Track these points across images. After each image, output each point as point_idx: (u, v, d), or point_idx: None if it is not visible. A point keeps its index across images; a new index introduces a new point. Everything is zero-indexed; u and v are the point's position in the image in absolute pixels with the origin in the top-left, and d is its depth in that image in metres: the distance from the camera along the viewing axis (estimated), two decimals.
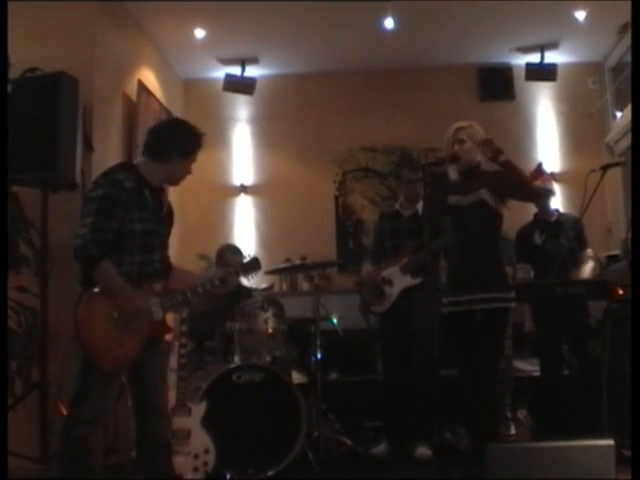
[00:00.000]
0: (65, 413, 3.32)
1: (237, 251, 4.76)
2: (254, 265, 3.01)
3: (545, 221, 4.29)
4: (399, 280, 4.00)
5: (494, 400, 3.14)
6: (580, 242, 4.10)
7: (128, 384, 2.75)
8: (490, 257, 3.14)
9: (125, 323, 2.55)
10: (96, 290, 2.51)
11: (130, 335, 2.56)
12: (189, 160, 2.77)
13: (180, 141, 2.74)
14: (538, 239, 4.26)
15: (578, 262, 4.10)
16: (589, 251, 4.15)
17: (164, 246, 2.78)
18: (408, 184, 4.17)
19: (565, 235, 4.14)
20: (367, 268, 4.18)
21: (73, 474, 2.51)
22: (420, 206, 4.06)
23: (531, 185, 3.47)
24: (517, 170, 3.15)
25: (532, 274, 4.26)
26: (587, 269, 4.10)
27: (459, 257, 3.21)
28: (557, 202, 5.51)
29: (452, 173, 3.21)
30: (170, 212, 2.86)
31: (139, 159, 2.81)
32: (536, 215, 4.36)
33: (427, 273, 3.76)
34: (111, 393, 2.62)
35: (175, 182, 2.85)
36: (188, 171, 2.81)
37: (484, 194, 3.13)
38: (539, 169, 4.47)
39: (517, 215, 4.67)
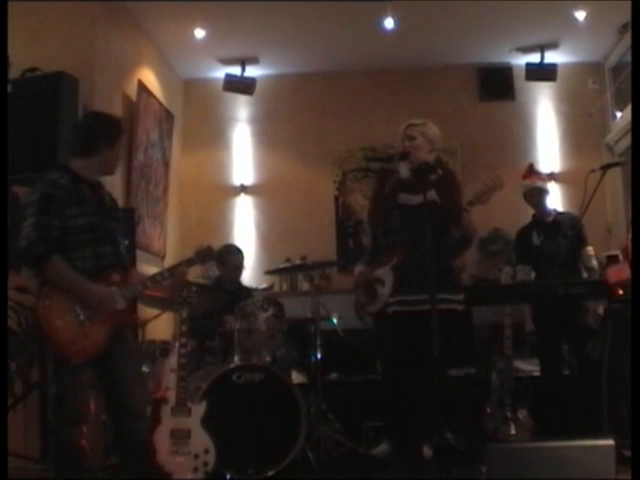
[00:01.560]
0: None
1: (237, 251, 4.77)
2: (206, 254, 3.04)
3: (543, 221, 4.29)
4: (390, 279, 3.97)
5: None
6: (580, 240, 4.10)
7: (101, 386, 2.76)
8: (439, 258, 3.07)
9: (87, 314, 2.59)
10: (49, 285, 2.56)
11: (94, 326, 2.60)
12: (117, 147, 2.83)
13: (103, 131, 2.79)
14: (536, 239, 4.26)
15: (580, 260, 4.10)
16: (590, 249, 4.15)
17: (115, 240, 2.80)
18: None
19: (564, 235, 4.14)
20: (359, 268, 4.14)
21: (69, 476, 2.51)
22: None
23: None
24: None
25: (532, 275, 4.26)
26: (594, 264, 4.10)
27: (408, 256, 3.16)
28: (557, 202, 5.53)
29: (403, 170, 3.17)
30: (114, 206, 2.91)
31: (71, 161, 2.82)
32: (534, 216, 4.36)
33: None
34: (87, 389, 2.67)
35: (111, 171, 2.91)
36: (119, 158, 2.91)
37: (434, 194, 3.08)
38: (531, 169, 4.46)
39: (516, 216, 4.70)
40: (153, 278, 2.84)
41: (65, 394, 2.55)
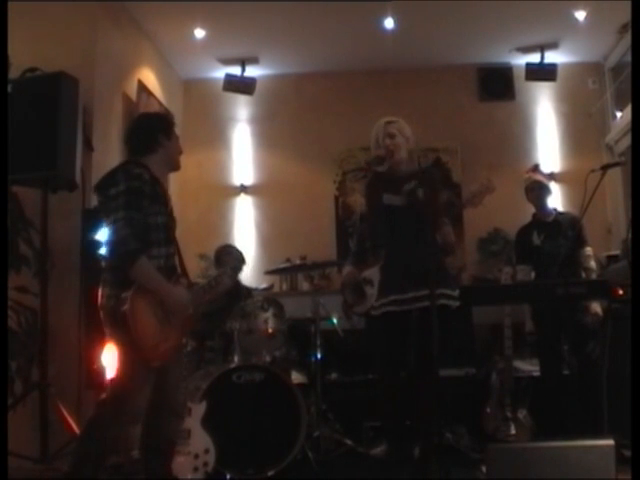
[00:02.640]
0: (66, 414, 3.35)
1: (236, 251, 4.76)
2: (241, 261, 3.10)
3: (543, 221, 4.28)
4: (379, 280, 3.96)
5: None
6: (579, 241, 4.09)
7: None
8: (431, 254, 3.04)
9: (166, 318, 2.57)
10: (134, 289, 2.48)
11: (171, 329, 2.60)
12: (175, 138, 2.86)
13: (159, 125, 2.82)
14: (536, 239, 4.25)
15: (578, 261, 4.09)
16: (589, 249, 4.15)
17: (176, 240, 2.82)
18: None
19: (564, 234, 4.13)
20: (348, 269, 4.12)
21: (84, 471, 2.50)
22: None
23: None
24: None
25: (533, 275, 4.26)
26: (592, 265, 4.09)
27: (398, 256, 3.14)
28: (557, 202, 5.52)
29: (387, 170, 3.15)
30: (172, 208, 2.89)
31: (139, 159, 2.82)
32: (534, 215, 4.35)
33: None
34: (148, 392, 2.63)
35: (176, 165, 2.92)
36: (180, 150, 2.91)
37: (418, 192, 3.07)
38: (536, 167, 4.46)
39: (516, 216, 4.70)
40: (205, 286, 2.83)
41: (134, 393, 2.52)
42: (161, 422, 2.69)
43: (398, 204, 3.12)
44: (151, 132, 2.78)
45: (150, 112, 3.03)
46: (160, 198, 2.68)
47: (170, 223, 2.75)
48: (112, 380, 2.66)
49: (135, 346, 2.47)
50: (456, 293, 3.10)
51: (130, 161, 2.76)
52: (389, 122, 3.24)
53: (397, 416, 3.12)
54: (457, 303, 3.09)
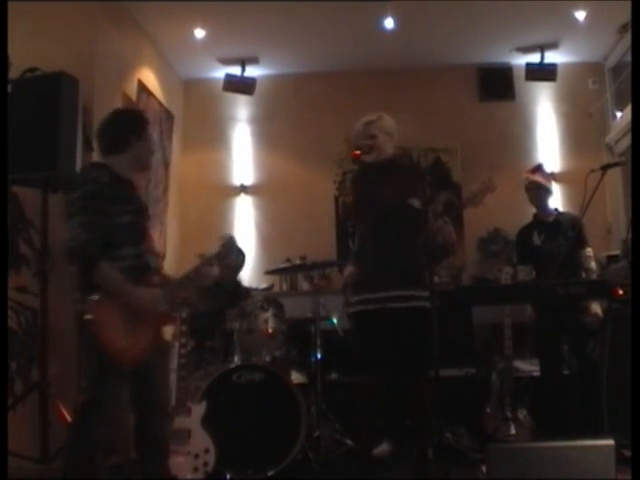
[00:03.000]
0: (66, 414, 3.35)
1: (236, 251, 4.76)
2: (231, 245, 3.04)
3: (544, 221, 4.28)
4: None
5: (428, 400, 3.05)
6: (579, 241, 4.09)
7: (131, 382, 2.74)
8: (408, 255, 3.06)
9: (135, 320, 2.56)
10: (99, 293, 2.50)
11: (142, 331, 2.59)
12: (146, 138, 2.83)
13: (131, 124, 2.79)
14: (537, 239, 4.25)
15: (579, 261, 4.09)
16: (589, 250, 4.15)
17: (149, 239, 2.80)
18: None
19: (564, 235, 4.13)
20: (348, 269, 4.10)
21: (79, 475, 2.51)
22: None
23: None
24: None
25: (534, 275, 4.26)
26: (592, 265, 4.09)
27: (375, 254, 3.12)
28: (557, 202, 5.52)
29: (370, 169, 3.13)
30: (145, 206, 2.89)
31: (105, 159, 2.81)
32: (535, 215, 4.35)
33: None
34: (125, 393, 2.62)
35: (145, 165, 2.91)
36: (151, 151, 2.89)
37: (401, 191, 3.06)
38: (538, 167, 4.46)
39: (516, 216, 4.70)
40: (181, 280, 2.82)
41: (107, 398, 2.52)
42: (151, 424, 2.68)
43: (379, 202, 3.08)
44: (121, 131, 2.76)
45: (124, 109, 2.96)
46: (124, 198, 2.66)
47: (139, 222, 2.72)
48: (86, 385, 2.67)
49: (102, 350, 2.48)
50: (427, 294, 3.04)
51: (91, 164, 2.81)
52: (368, 123, 3.19)
53: (373, 416, 3.10)
54: (429, 304, 3.03)
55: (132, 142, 2.75)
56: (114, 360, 2.49)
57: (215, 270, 4.18)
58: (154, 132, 5.40)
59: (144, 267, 2.69)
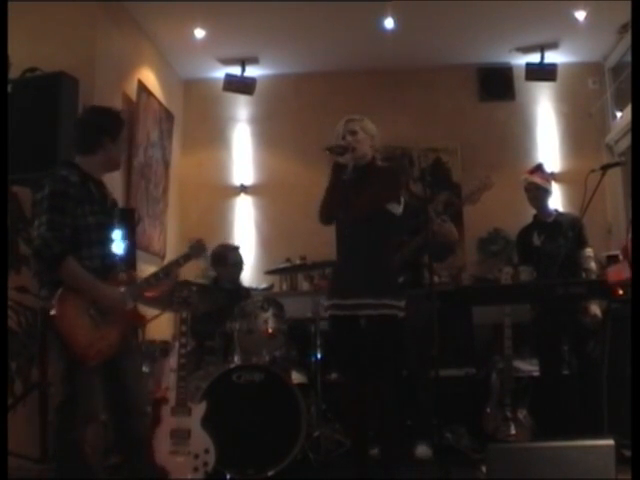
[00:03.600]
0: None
1: (233, 249, 4.75)
2: (199, 248, 3.02)
3: (543, 222, 4.28)
4: None
5: (395, 408, 3.04)
6: (579, 241, 4.09)
7: (103, 384, 2.73)
8: (381, 262, 3.03)
9: (100, 316, 2.58)
10: (64, 289, 2.52)
11: (108, 327, 2.60)
12: (119, 141, 2.79)
13: (106, 126, 2.76)
14: (537, 240, 4.25)
15: (578, 262, 4.09)
16: (589, 250, 4.15)
17: (119, 239, 2.79)
18: None
19: (564, 235, 4.13)
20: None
21: (72, 476, 2.51)
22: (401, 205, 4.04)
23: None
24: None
25: (535, 274, 4.26)
26: (592, 266, 4.09)
27: (348, 259, 3.09)
28: (557, 202, 5.52)
29: (349, 166, 3.04)
30: (115, 205, 2.87)
31: (76, 158, 2.80)
32: (535, 216, 4.36)
33: (411, 271, 3.74)
34: (99, 390, 2.62)
35: (116, 166, 2.90)
36: (123, 152, 2.90)
37: (377, 196, 3.02)
38: (538, 167, 4.46)
39: (516, 216, 4.70)
40: (148, 279, 2.82)
41: (77, 395, 2.52)
42: (129, 424, 2.68)
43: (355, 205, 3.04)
44: (94, 132, 2.73)
45: (100, 109, 2.91)
46: (92, 198, 2.66)
47: (107, 222, 2.71)
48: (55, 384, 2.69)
49: (66, 346, 2.50)
50: (401, 303, 3.01)
51: (62, 162, 2.80)
52: (350, 120, 3.18)
53: (354, 417, 3.09)
54: (402, 313, 3.00)
55: (104, 144, 2.73)
56: (79, 356, 2.50)
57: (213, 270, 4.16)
58: (154, 132, 5.41)
59: (111, 267, 2.69)
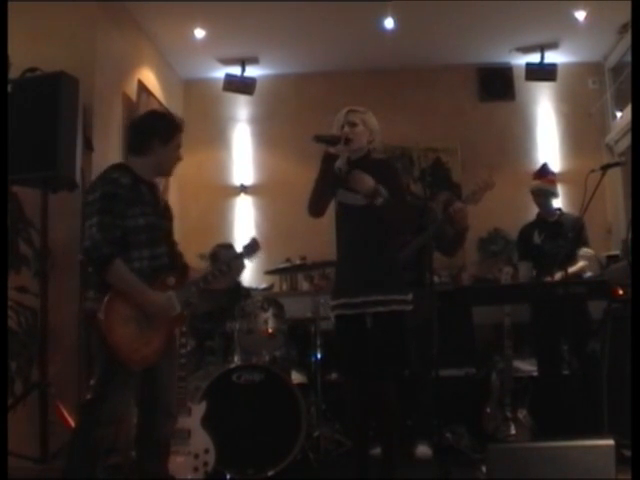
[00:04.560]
0: (66, 414, 3.35)
1: (228, 250, 4.74)
2: (253, 247, 3.00)
3: (546, 221, 4.30)
4: None
5: (393, 404, 2.99)
6: (578, 241, 4.10)
7: (139, 382, 2.73)
8: (385, 256, 2.99)
9: (147, 321, 2.57)
10: (113, 292, 2.51)
11: (154, 332, 2.59)
12: (172, 146, 2.77)
13: (158, 129, 2.75)
14: (537, 238, 4.28)
15: (571, 261, 4.09)
16: (584, 250, 4.15)
17: (169, 240, 2.79)
18: None
19: (564, 235, 4.14)
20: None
21: (81, 474, 2.51)
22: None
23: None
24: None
25: (534, 272, 4.27)
26: (575, 268, 4.09)
27: (351, 257, 3.04)
28: (557, 202, 5.52)
29: (342, 158, 2.96)
30: (167, 207, 2.88)
31: (128, 159, 2.83)
32: (538, 215, 4.37)
33: (415, 270, 3.73)
34: (130, 393, 2.62)
35: (167, 172, 2.90)
36: (177, 158, 2.83)
37: (381, 190, 2.93)
38: (544, 169, 4.46)
39: (516, 216, 4.71)
40: (205, 278, 2.78)
41: (108, 396, 2.52)
42: (155, 423, 2.68)
43: (352, 203, 3.00)
44: (146, 135, 2.73)
45: (157, 112, 2.91)
46: (143, 200, 2.65)
47: (158, 224, 2.71)
48: (93, 383, 2.67)
49: (111, 350, 2.49)
50: (409, 297, 2.98)
51: (113, 164, 2.78)
52: (352, 110, 3.09)
53: (356, 417, 3.08)
54: (409, 307, 2.97)
55: (154, 147, 2.71)
56: (124, 361, 2.49)
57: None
58: None
59: (162, 269, 2.67)
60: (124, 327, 2.52)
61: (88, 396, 2.63)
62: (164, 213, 2.82)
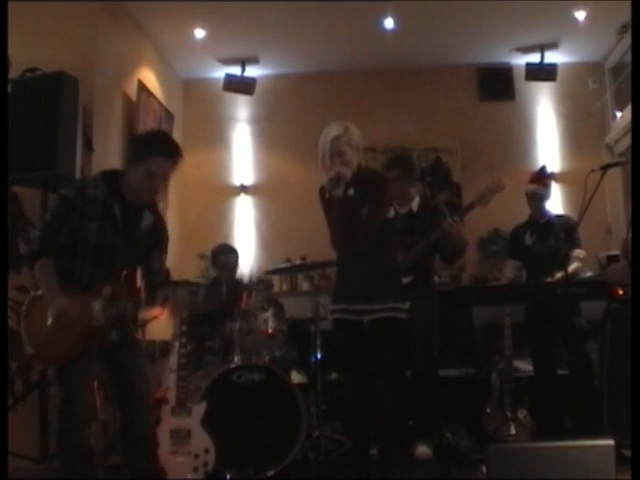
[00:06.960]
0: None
1: (232, 251, 4.75)
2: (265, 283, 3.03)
3: (537, 222, 4.34)
4: None
5: (387, 405, 2.99)
6: (570, 243, 4.10)
7: (109, 379, 2.74)
8: (384, 265, 3.00)
9: (66, 324, 2.52)
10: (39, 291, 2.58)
11: (67, 337, 2.54)
12: (141, 169, 2.60)
13: (159, 142, 2.68)
14: (528, 239, 4.31)
15: (565, 262, 4.09)
16: (577, 251, 4.16)
17: (130, 263, 2.70)
18: (395, 182, 3.79)
19: (555, 237, 4.17)
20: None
21: (79, 474, 2.51)
22: (414, 204, 4.03)
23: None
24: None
25: (524, 273, 4.29)
26: (574, 267, 4.10)
27: (351, 264, 3.04)
28: (557, 202, 5.53)
29: (338, 191, 2.90)
30: (154, 229, 2.77)
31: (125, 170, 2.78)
32: (530, 216, 4.40)
33: (421, 271, 3.73)
34: (93, 389, 2.61)
35: (137, 195, 2.67)
36: (150, 186, 2.65)
37: (368, 204, 2.93)
38: (541, 172, 4.47)
39: (516, 216, 4.70)
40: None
41: (73, 394, 2.52)
42: (136, 417, 2.67)
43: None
44: (147, 143, 2.67)
45: (146, 131, 2.89)
46: (107, 217, 2.59)
47: (113, 245, 2.61)
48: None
49: (22, 345, 2.57)
50: (406, 306, 2.98)
51: (103, 172, 2.74)
52: (335, 139, 3.01)
53: (356, 417, 3.08)
54: (405, 315, 2.98)
55: (153, 156, 2.58)
56: (28, 357, 2.59)
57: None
58: None
59: (94, 286, 2.59)
60: (38, 322, 2.56)
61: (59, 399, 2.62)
62: (143, 236, 2.71)
